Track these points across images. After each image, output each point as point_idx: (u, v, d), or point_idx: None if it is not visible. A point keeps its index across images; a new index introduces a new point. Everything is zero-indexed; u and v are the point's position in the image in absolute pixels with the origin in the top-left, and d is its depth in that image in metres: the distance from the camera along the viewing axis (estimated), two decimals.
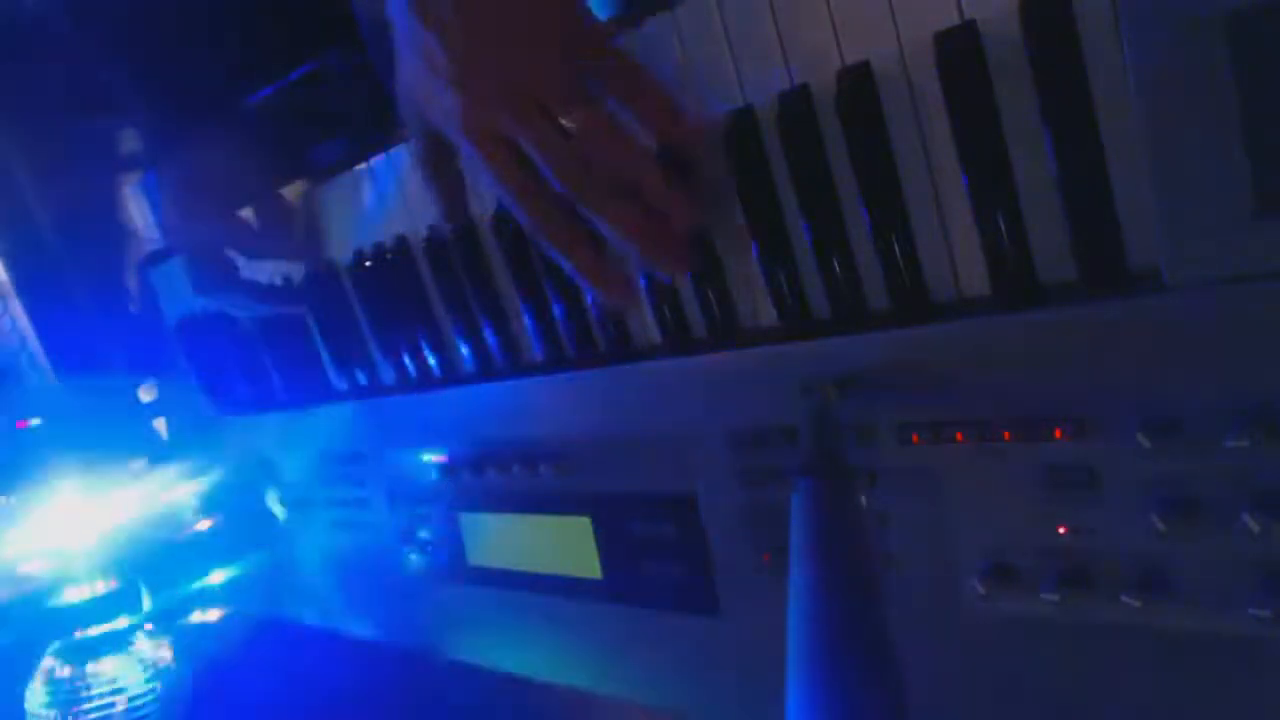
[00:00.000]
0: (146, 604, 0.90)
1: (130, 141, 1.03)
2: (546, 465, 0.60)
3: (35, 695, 0.84)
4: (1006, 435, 0.41)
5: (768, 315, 0.50)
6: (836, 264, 0.46)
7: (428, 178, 0.55)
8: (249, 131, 0.74)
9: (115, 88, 0.73)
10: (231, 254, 0.74)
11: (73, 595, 0.88)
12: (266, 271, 0.78)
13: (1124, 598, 0.38)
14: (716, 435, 0.51)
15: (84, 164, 1.02)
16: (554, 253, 0.48)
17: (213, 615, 0.95)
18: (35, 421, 0.90)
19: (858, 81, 0.43)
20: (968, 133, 0.41)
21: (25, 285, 0.99)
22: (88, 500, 0.92)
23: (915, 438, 0.44)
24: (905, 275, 0.44)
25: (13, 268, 0.99)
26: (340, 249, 0.73)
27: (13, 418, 1.00)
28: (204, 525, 0.93)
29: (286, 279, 0.78)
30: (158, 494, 0.94)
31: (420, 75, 0.48)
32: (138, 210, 1.03)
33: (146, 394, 1.02)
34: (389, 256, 0.68)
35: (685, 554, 0.55)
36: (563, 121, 0.45)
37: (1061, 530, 0.40)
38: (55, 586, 0.88)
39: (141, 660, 0.86)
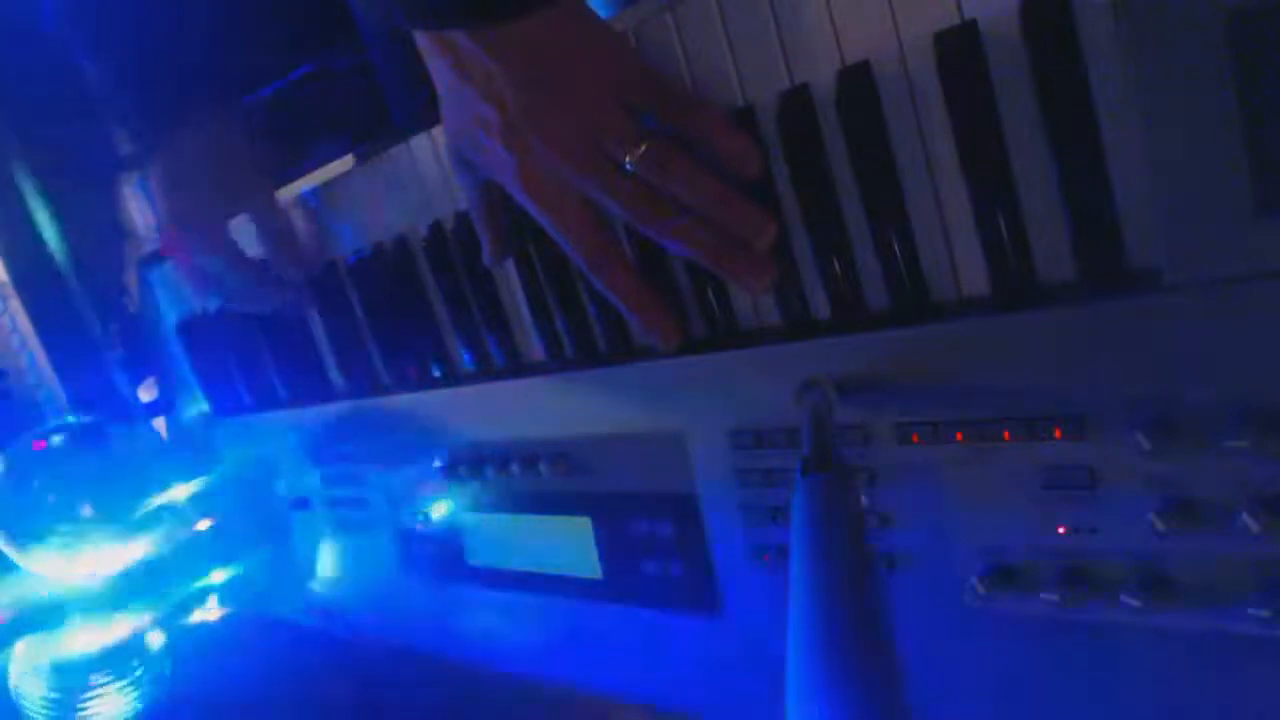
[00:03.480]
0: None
1: (130, 141, 1.03)
2: (546, 465, 0.60)
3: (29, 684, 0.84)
4: (1006, 435, 0.41)
5: (768, 315, 0.50)
6: (836, 264, 0.46)
7: (478, 221, 0.57)
8: (246, 130, 0.74)
9: (112, 85, 0.73)
10: (230, 251, 0.74)
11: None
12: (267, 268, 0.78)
13: (1124, 598, 0.38)
14: (716, 435, 0.51)
15: (84, 164, 1.02)
16: (608, 291, 0.51)
17: (213, 615, 0.95)
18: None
19: (858, 81, 0.43)
20: (968, 132, 0.41)
21: (25, 285, 0.99)
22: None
23: (915, 438, 0.44)
24: (905, 275, 0.44)
25: (13, 268, 0.99)
26: (340, 249, 0.73)
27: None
28: (204, 525, 0.93)
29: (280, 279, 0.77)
30: (157, 494, 0.94)
31: (474, 133, 0.49)
32: (138, 210, 1.03)
33: (146, 394, 1.02)
34: (389, 256, 0.68)
35: (685, 554, 0.55)
36: (627, 161, 0.46)
37: (1061, 530, 0.40)
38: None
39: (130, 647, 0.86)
